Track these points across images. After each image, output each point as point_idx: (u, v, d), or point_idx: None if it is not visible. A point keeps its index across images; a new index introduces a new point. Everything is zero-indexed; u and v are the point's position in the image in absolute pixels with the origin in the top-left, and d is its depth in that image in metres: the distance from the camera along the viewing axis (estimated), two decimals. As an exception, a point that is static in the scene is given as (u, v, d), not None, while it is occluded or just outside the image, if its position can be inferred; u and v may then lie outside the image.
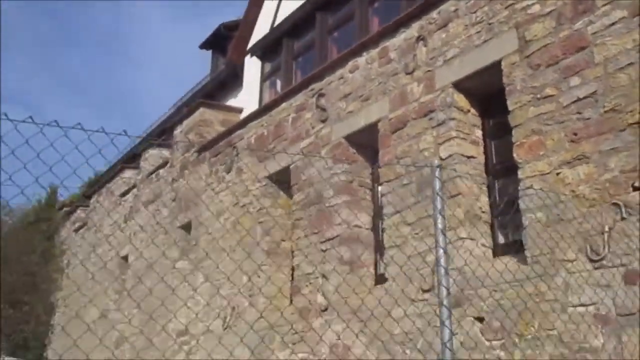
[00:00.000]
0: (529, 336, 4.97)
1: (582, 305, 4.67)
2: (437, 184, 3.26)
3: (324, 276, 7.15)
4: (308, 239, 7.51)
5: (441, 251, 3.18)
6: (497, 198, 6.03)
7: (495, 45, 5.85)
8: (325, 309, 7.03)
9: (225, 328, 8.56)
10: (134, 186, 12.25)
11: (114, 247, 12.21)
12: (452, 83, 6.19)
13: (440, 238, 3.23)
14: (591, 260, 4.69)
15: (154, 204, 11.18)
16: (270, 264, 8.30)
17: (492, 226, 5.99)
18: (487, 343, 5.31)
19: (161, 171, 11.29)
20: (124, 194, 12.58)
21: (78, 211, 15.12)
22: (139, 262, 11.19)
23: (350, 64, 7.56)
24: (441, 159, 6.06)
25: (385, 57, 7.10)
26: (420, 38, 6.67)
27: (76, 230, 14.68)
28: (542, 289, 4.92)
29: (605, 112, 4.82)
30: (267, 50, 11.08)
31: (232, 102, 11.98)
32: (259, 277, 8.16)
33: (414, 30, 6.80)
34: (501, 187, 6.05)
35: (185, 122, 10.83)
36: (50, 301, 14.93)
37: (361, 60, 7.44)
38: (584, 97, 4.99)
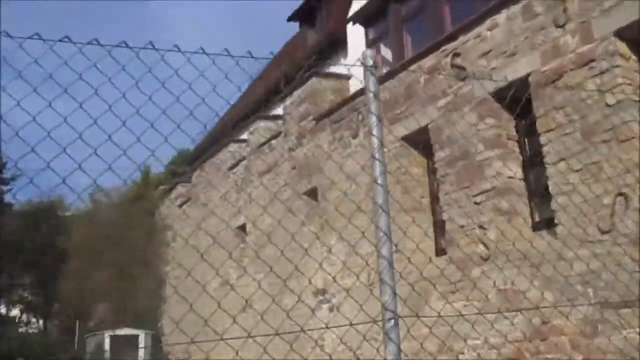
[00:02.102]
0: None
1: None
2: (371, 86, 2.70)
3: (481, 227, 7.52)
4: (458, 193, 7.86)
5: None
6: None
7: (661, -8, 6.02)
8: (487, 258, 7.41)
9: (371, 284, 9.02)
10: (242, 159, 12.74)
11: (227, 218, 12.77)
12: (613, 31, 6.38)
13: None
14: None
15: (270, 174, 11.65)
16: (411, 219, 8.69)
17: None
18: (680, 275, 5.63)
19: (273, 142, 11.73)
20: (232, 167, 13.09)
21: (178, 187, 15.75)
22: (260, 230, 11.72)
23: (488, 22, 7.78)
24: (608, 105, 6.31)
25: (530, 13, 7.30)
26: (569, -10, 6.85)
27: (180, 206, 15.33)
28: None
29: None
30: (371, 16, 11.30)
31: (333, 70, 12.28)
32: (403, 232, 8.56)
33: (561, -17, 6.98)
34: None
35: (297, 93, 11.21)
36: (160, 274, 15.70)
37: (500, 17, 7.65)
38: None
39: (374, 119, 2.61)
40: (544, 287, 6.55)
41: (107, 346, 15.41)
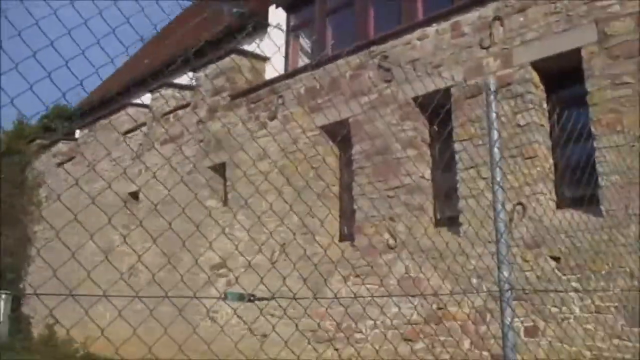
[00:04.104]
0: (603, 272, 6.36)
1: (652, 249, 6.10)
2: (494, 107, 3.04)
3: (391, 218, 8.20)
4: (373, 185, 8.49)
5: (498, 179, 3.10)
6: (560, 161, 7.33)
7: (575, 35, 7.02)
8: (393, 248, 8.12)
9: (274, 262, 9.40)
10: (142, 124, 12.46)
11: (118, 184, 12.44)
12: (530, 62, 7.32)
13: (497, 171, 3.10)
14: (662, 215, 6.10)
15: (173, 144, 11.56)
16: (321, 205, 9.20)
17: (556, 184, 7.30)
18: (562, 277, 6.67)
19: (180, 112, 11.64)
20: (128, 132, 12.75)
21: (60, 145, 14.94)
22: (155, 198, 11.58)
23: (419, 32, 8.47)
24: (519, 125, 7.24)
25: (458, 30, 8.08)
26: (496, 18, 7.72)
27: (60, 164, 14.57)
28: (615, 236, 6.31)
29: (678, 101, 6.18)
30: (296, 2, 11.59)
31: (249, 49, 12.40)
32: (312, 217, 9.04)
33: (489, 10, 7.82)
34: (562, 152, 7.34)
35: (212, 67, 11.23)
36: (27, 234, 14.83)
37: (431, 30, 8.37)
38: (660, 87, 6.32)
39: (495, 135, 2.99)
40: (442, 278, 7.36)
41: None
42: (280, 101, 9.93)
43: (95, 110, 14.73)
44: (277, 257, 9.41)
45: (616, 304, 6.24)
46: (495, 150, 2.94)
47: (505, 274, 2.83)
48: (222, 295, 2.87)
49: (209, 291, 10.14)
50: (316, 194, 9.17)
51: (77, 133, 15.22)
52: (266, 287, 3.97)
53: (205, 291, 10.25)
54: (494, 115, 2.96)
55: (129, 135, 12.78)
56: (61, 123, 16.91)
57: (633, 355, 6.10)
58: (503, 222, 2.89)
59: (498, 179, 2.91)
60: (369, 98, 8.83)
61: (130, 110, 13.11)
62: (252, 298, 2.86)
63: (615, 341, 6.22)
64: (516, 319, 6.89)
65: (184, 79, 12.55)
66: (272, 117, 10.01)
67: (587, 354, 6.39)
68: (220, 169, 10.74)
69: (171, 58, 13.41)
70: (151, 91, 12.58)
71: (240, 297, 2.90)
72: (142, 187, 12.07)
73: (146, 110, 12.63)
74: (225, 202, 10.83)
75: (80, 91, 15.61)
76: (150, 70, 14.19)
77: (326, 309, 8.48)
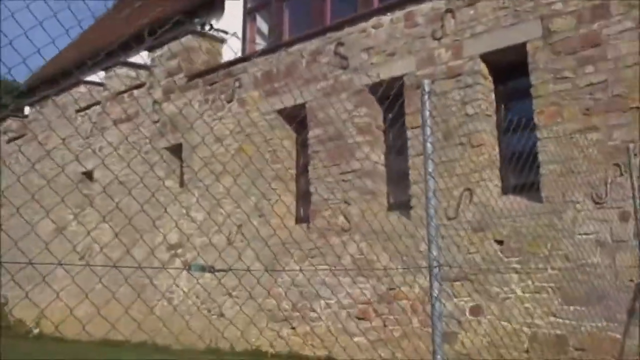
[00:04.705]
0: (542, 255, 6.83)
1: (586, 234, 6.58)
2: (427, 106, 3.26)
3: (346, 202, 8.50)
4: (327, 169, 8.75)
5: (430, 166, 3.27)
6: (506, 150, 7.74)
7: (521, 30, 7.37)
8: (348, 230, 8.43)
9: (230, 243, 9.60)
10: (96, 103, 12.35)
11: (71, 163, 12.32)
12: (479, 54, 7.66)
13: (429, 163, 3.26)
14: (595, 203, 6.57)
15: (128, 124, 11.53)
16: (277, 188, 9.42)
17: (501, 171, 7.71)
18: (505, 259, 7.11)
19: (136, 92, 11.59)
20: (82, 110, 12.60)
21: (9, 121, 14.63)
22: (110, 179, 11.56)
23: (374, 20, 8.69)
24: (468, 114, 7.60)
25: (412, 21, 8.34)
26: (448, 10, 8.00)
27: (9, 141, 14.29)
28: (553, 221, 6.77)
29: (613, 96, 6.61)
30: (252, -16, 11.63)
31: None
32: (268, 200, 9.26)
33: (441, 2, 8.10)
34: (508, 141, 7.75)
35: (169, 47, 11.20)
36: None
37: (385, 19, 8.60)
38: (597, 83, 6.73)
39: (428, 132, 3.26)
40: (393, 259, 7.72)
41: None
42: (237, 84, 10.03)
43: (46, 86, 14.45)
44: (234, 238, 9.61)
45: (552, 284, 6.72)
46: (428, 145, 3.26)
47: (434, 253, 3.19)
48: (187, 267, 3.13)
49: (166, 271, 10.28)
50: (273, 176, 9.40)
51: (27, 110, 14.92)
52: (226, 263, 4.23)
53: (161, 271, 10.39)
54: (427, 113, 3.27)
55: (82, 113, 12.65)
56: (11, 99, 16.49)
57: (567, 331, 6.62)
58: (433, 208, 3.24)
59: (430, 170, 3.25)
60: (324, 84, 9.04)
61: (82, 88, 12.94)
62: (212, 270, 3.14)
63: (552, 319, 6.72)
64: (462, 299, 7.36)
65: (139, 58, 12.45)
66: (230, 100, 10.11)
67: (526, 330, 6.88)
68: (176, 150, 10.80)
69: (126, 37, 13.23)
70: (105, 69, 12.44)
71: (202, 269, 3.18)
72: (97, 167, 12.03)
73: (100, 88, 12.51)
74: (181, 183, 10.92)
75: (32, 66, 15.26)
76: (104, 48, 13.96)
77: (279, 288, 8.77)
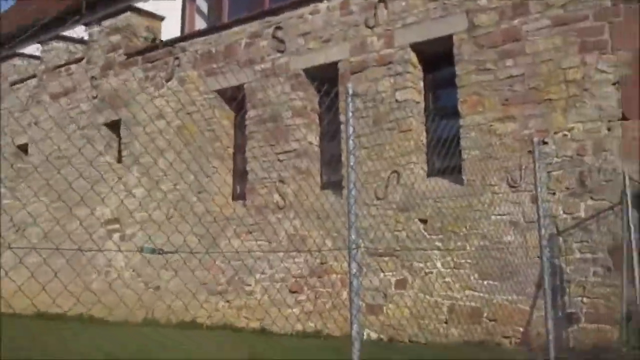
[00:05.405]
0: (461, 233, 7.39)
1: (501, 214, 7.17)
2: (350, 107, 3.65)
3: (281, 181, 8.84)
4: (263, 149, 9.06)
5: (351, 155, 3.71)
6: (432, 135, 8.24)
7: (448, 22, 7.83)
8: (283, 208, 8.79)
9: (169, 218, 9.81)
10: (32, 76, 12.16)
11: (5, 136, 12.17)
12: (409, 44, 8.08)
13: (351, 157, 3.70)
14: (510, 186, 7.16)
15: (65, 99, 11.45)
16: (215, 166, 9.67)
17: (427, 155, 8.22)
18: (428, 237, 7.65)
19: (73, 66, 11.50)
20: (16, 83, 12.39)
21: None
22: (46, 153, 11.50)
23: (311, 6, 8.97)
24: (397, 101, 8.04)
25: (346, 9, 8.67)
26: (381, 0, 8.37)
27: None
28: (473, 202, 7.33)
29: (530, 88, 7.17)
30: (192, -37, 11.65)
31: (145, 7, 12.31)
32: (207, 177, 9.50)
33: (376, -9, 8.45)
34: (435, 127, 8.25)
35: (107, 23, 11.14)
36: None
37: (322, 5, 8.90)
38: (515, 75, 7.28)
39: (351, 130, 3.62)
40: (325, 236, 8.15)
41: None
42: (176, 63, 10.15)
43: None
44: (172, 214, 9.81)
45: (470, 260, 7.31)
46: (350, 142, 3.62)
47: (353, 236, 3.56)
48: (139, 249, 3.42)
49: (105, 245, 10.40)
50: (211, 154, 9.63)
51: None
52: (170, 241, 4.49)
53: (99, 246, 10.49)
54: (350, 113, 3.64)
55: (17, 86, 12.44)
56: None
57: (482, 303, 7.23)
58: (354, 198, 3.61)
59: (352, 164, 3.62)
60: (262, 66, 9.29)
61: (16, 60, 12.70)
62: (160, 252, 3.45)
63: (468, 292, 7.32)
64: (388, 273, 7.87)
65: (77, 32, 12.30)
66: (169, 78, 10.22)
67: (446, 302, 7.46)
68: (115, 126, 10.84)
69: (62, 10, 13.03)
70: (41, 42, 12.24)
71: (152, 251, 3.50)
72: (32, 141, 11.91)
73: (36, 62, 12.31)
74: (119, 159, 10.99)
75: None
76: (40, 20, 13.68)
77: (216, 262, 9.05)
